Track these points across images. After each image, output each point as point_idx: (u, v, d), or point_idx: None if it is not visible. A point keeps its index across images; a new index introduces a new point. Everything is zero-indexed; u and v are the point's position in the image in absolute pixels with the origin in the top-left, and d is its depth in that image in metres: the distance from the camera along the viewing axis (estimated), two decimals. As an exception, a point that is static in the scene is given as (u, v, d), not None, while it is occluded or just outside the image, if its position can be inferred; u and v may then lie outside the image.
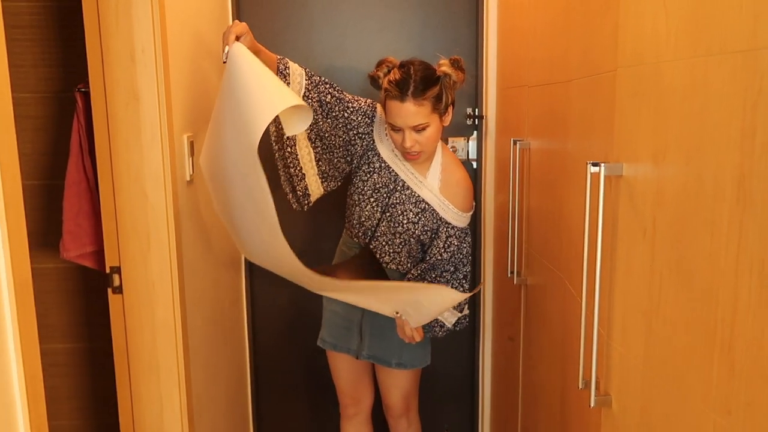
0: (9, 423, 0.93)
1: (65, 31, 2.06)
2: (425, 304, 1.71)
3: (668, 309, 0.90)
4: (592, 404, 1.11)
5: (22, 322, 0.94)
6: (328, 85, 1.77)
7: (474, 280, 2.47)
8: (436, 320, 1.81)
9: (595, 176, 1.07)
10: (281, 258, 1.60)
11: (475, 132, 2.47)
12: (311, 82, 1.75)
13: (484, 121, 2.40)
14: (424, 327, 1.82)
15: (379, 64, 1.72)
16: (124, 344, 1.62)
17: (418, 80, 1.63)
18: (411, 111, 1.63)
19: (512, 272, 1.91)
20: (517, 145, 1.86)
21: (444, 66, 1.68)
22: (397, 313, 1.75)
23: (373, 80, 1.73)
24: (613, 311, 1.09)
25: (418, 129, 1.66)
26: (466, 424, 2.71)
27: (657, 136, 0.93)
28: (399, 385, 1.97)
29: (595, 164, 1.07)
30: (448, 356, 2.57)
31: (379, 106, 1.83)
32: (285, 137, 1.76)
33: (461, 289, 1.81)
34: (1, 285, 0.91)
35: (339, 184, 1.89)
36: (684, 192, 0.86)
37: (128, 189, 1.55)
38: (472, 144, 2.48)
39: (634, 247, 1.01)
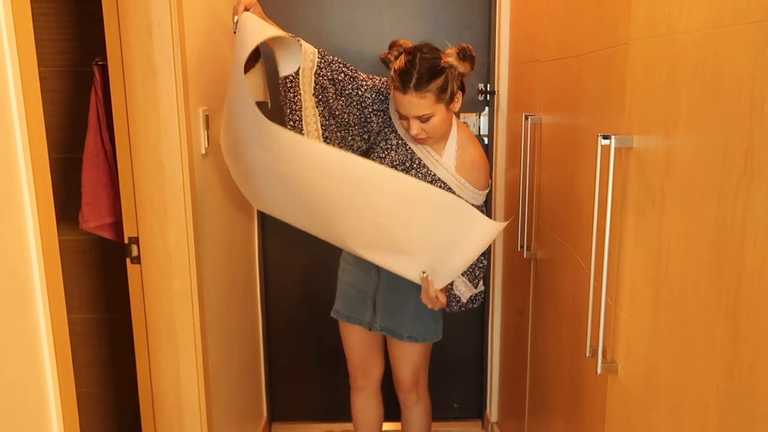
0: (39, 386, 0.97)
1: (80, 5, 2.07)
2: (458, 244, 1.63)
3: (675, 277, 0.92)
4: (598, 371, 1.14)
5: (51, 290, 0.97)
6: (341, 64, 1.78)
7: (489, 255, 2.49)
8: (453, 294, 1.84)
9: (606, 149, 1.08)
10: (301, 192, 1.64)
11: (486, 107, 2.48)
12: (324, 61, 1.76)
13: (495, 96, 2.41)
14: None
15: (391, 47, 1.70)
16: (142, 313, 1.67)
17: (421, 72, 1.61)
18: (413, 103, 1.63)
19: (522, 246, 1.93)
20: (529, 120, 1.87)
21: (450, 57, 1.63)
22: (423, 273, 1.71)
23: (385, 63, 1.72)
24: (620, 281, 1.11)
25: (423, 119, 1.66)
26: (475, 396, 2.76)
27: (668, 108, 0.94)
28: (409, 360, 2.00)
29: (605, 137, 1.08)
30: (458, 329, 2.61)
31: None
32: (293, 113, 1.77)
33: (479, 269, 1.84)
34: (31, 255, 0.95)
35: None
36: (693, 163, 0.87)
37: (146, 161, 1.59)
38: (484, 119, 2.48)
39: (642, 218, 1.02)
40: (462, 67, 1.65)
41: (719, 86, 0.81)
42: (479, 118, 2.48)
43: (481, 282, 1.88)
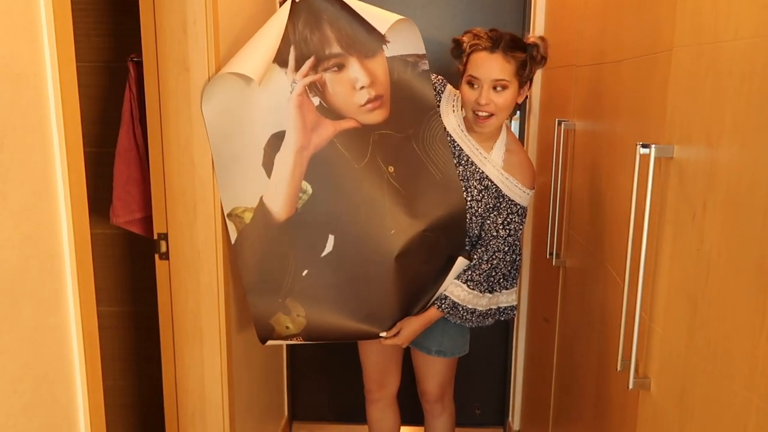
0: (68, 378, 0.98)
1: (117, 2, 2.10)
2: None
3: (715, 292, 0.89)
4: (630, 386, 1.11)
5: (81, 284, 0.98)
6: None
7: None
8: (492, 309, 1.83)
9: (645, 158, 1.06)
10: None
11: (518, 111, 2.45)
12: None
13: (528, 100, 2.38)
14: (474, 319, 1.83)
15: (465, 33, 1.71)
16: (169, 309, 1.68)
17: (509, 39, 1.64)
18: (498, 63, 1.63)
19: (551, 253, 1.90)
20: (562, 125, 1.84)
21: (533, 37, 1.68)
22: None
23: (457, 43, 1.71)
24: (656, 294, 1.08)
25: (498, 86, 1.63)
26: (498, 403, 2.73)
27: (712, 119, 0.91)
28: (436, 373, 1.96)
29: (645, 146, 1.06)
30: (482, 334, 2.57)
31: (449, 85, 1.82)
32: None
33: (513, 279, 1.82)
34: (63, 249, 0.96)
35: None
36: (738, 176, 0.85)
37: (177, 158, 1.59)
38: (515, 124, 2.46)
39: (682, 230, 1.00)
40: (543, 49, 1.67)
41: (767, 98, 0.78)
42: (510, 122, 2.45)
43: (515, 292, 1.84)
